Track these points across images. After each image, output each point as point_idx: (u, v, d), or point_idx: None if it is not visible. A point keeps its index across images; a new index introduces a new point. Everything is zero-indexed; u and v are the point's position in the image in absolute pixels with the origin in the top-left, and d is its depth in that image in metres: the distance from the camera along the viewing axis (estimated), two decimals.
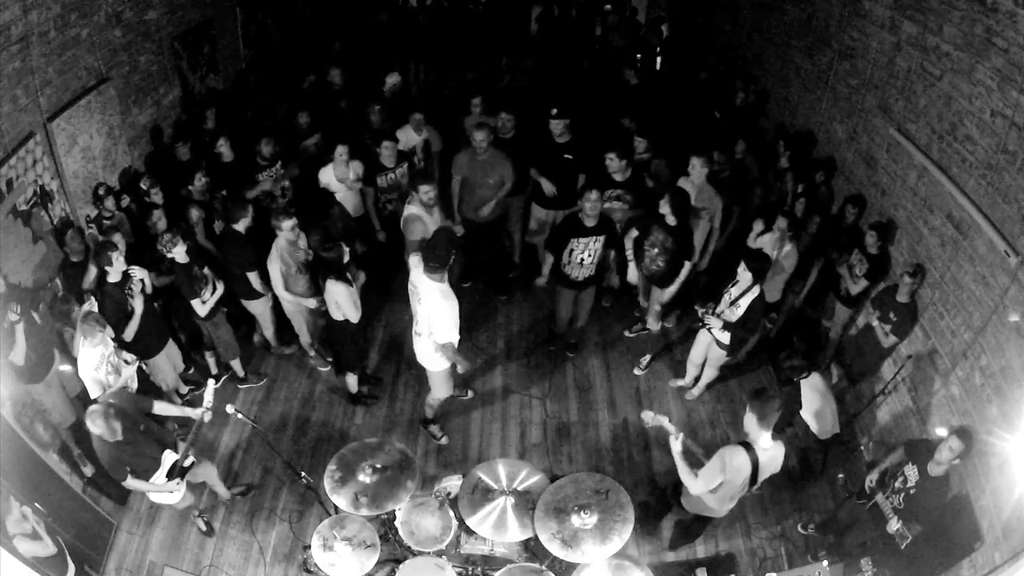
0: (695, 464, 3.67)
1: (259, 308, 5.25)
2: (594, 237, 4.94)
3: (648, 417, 3.84)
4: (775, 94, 7.16)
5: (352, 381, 5.25)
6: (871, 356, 4.91)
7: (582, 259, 5.03)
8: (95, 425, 3.47)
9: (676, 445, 3.64)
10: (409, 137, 6.23)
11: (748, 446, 3.48)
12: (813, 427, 4.45)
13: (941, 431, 3.90)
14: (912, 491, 3.71)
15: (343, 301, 4.48)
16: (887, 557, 4.00)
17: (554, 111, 5.61)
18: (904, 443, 4.00)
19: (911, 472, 3.74)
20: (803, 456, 4.86)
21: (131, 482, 3.69)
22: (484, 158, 5.53)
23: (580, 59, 8.20)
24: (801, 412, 4.49)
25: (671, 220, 4.95)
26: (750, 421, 3.46)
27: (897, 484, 3.84)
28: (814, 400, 4.39)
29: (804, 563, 4.30)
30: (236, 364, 5.35)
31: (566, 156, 5.67)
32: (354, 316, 4.59)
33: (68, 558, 3.66)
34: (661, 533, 4.54)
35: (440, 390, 4.68)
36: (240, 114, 6.53)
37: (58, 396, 4.22)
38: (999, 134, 3.81)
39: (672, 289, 5.36)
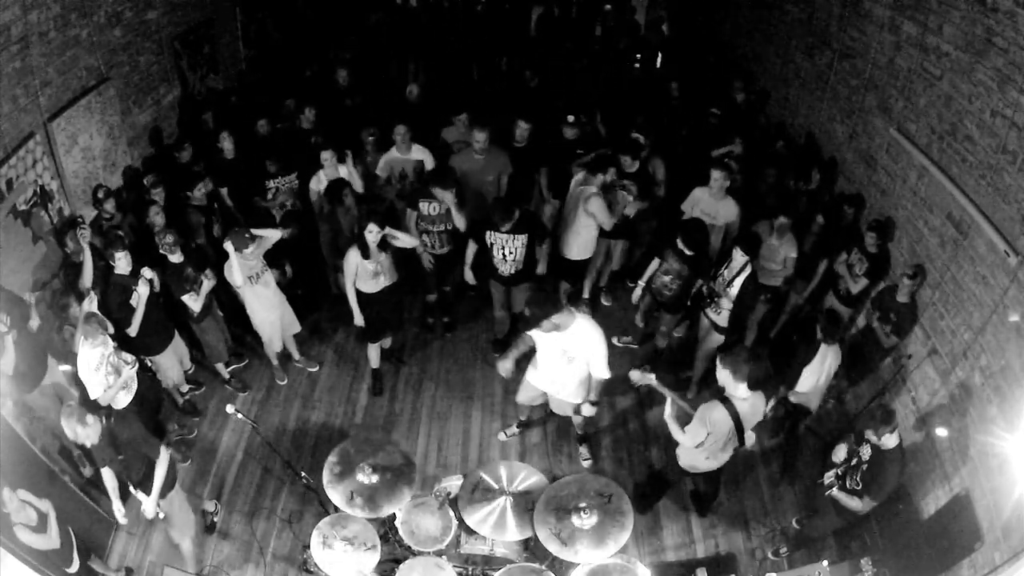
0: (686, 423, 3.80)
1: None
2: (512, 236, 4.87)
3: (635, 376, 3.97)
4: (775, 94, 7.16)
5: (375, 355, 5.32)
6: (871, 356, 4.90)
7: (503, 254, 4.98)
8: (65, 425, 3.43)
9: (668, 408, 3.81)
10: (392, 160, 5.65)
11: (726, 400, 3.60)
12: (802, 386, 4.47)
13: (942, 432, 3.89)
14: (865, 467, 3.72)
15: (346, 269, 4.65)
16: (887, 557, 4.00)
17: (571, 118, 5.76)
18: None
19: (864, 451, 3.77)
20: (792, 457, 4.86)
21: (106, 474, 3.64)
22: (482, 157, 5.53)
23: (580, 59, 8.19)
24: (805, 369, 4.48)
25: (687, 251, 4.79)
26: (725, 376, 3.58)
27: (853, 462, 3.86)
28: (820, 366, 4.42)
29: (804, 563, 4.30)
30: (220, 368, 5.34)
31: (578, 151, 5.81)
32: (349, 286, 4.74)
33: (75, 554, 3.65)
34: (661, 533, 4.54)
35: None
36: (245, 116, 6.50)
37: (51, 405, 4.18)
38: (999, 134, 3.81)
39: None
